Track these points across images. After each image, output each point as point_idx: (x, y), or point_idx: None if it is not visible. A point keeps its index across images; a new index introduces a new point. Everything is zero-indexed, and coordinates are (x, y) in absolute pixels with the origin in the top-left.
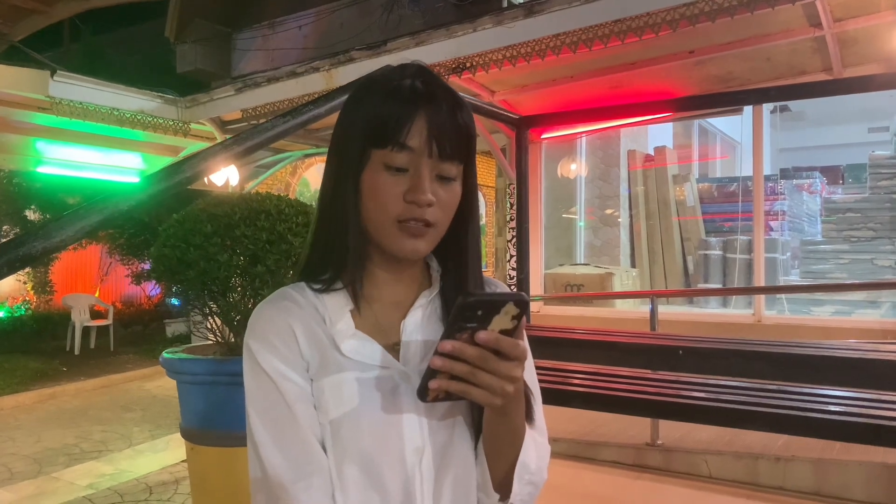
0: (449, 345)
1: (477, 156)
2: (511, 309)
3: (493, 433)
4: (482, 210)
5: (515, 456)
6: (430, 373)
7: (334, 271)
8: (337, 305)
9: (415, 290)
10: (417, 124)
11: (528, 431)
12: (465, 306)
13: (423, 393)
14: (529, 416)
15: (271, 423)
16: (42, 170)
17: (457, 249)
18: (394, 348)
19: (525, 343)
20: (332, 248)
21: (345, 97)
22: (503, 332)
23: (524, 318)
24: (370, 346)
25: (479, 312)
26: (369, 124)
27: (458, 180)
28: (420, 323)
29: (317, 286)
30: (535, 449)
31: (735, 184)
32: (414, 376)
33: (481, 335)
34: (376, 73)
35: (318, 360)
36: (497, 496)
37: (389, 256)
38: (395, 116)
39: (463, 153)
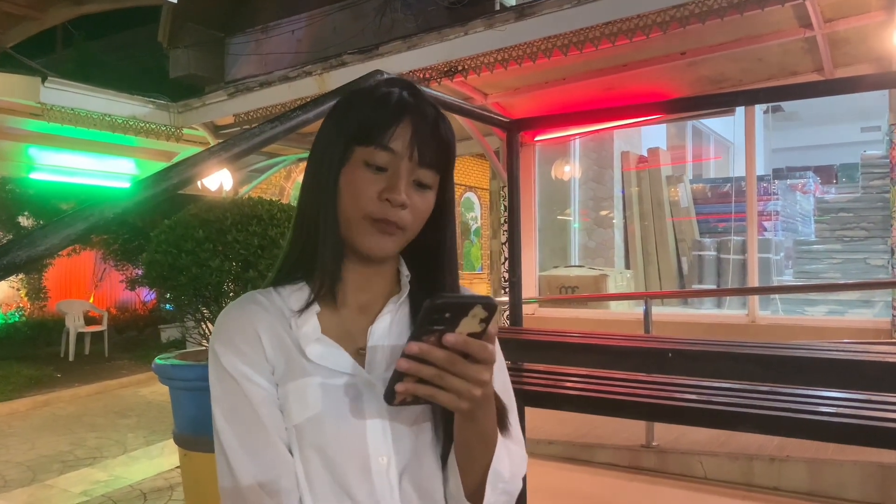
0: (416, 347)
1: (471, 158)
2: (479, 312)
3: (464, 439)
4: (477, 213)
5: (487, 463)
6: (397, 376)
7: (305, 274)
8: (306, 301)
9: (384, 296)
10: (402, 128)
11: (502, 440)
12: (433, 308)
13: (389, 396)
14: (502, 424)
15: (238, 425)
16: (35, 176)
17: (430, 259)
18: (359, 353)
19: (494, 347)
20: (307, 249)
21: (333, 102)
22: (471, 335)
23: (493, 322)
24: (335, 352)
25: (447, 315)
26: (355, 123)
27: (434, 190)
28: (387, 329)
29: (282, 287)
30: (508, 457)
31: (728, 184)
32: (378, 384)
33: (449, 337)
34: (366, 83)
35: (284, 365)
36: None
37: (359, 259)
38: (381, 118)
39: (441, 163)
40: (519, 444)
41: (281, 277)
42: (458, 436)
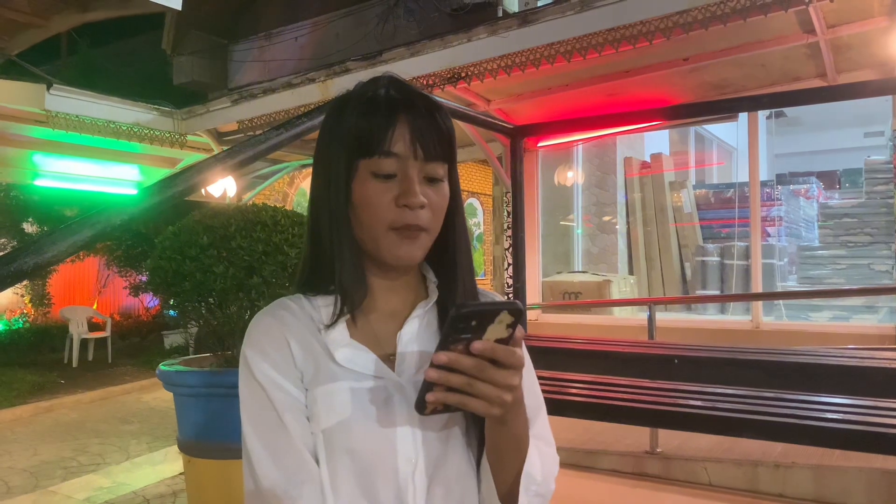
0: (444, 356)
1: (474, 164)
2: (505, 317)
3: (495, 444)
4: (479, 218)
5: (519, 466)
6: (427, 385)
7: (331, 282)
8: (333, 315)
9: (411, 301)
10: (399, 130)
11: (533, 442)
12: (459, 317)
13: (420, 406)
14: (533, 426)
15: (263, 431)
16: (39, 183)
17: (447, 250)
18: (389, 359)
19: (522, 351)
20: (327, 260)
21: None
22: (498, 340)
23: (519, 327)
24: (364, 356)
25: (474, 322)
26: (352, 136)
27: (445, 181)
28: (416, 333)
29: (314, 296)
30: (539, 459)
31: (732, 190)
32: (408, 387)
33: (476, 345)
34: (350, 89)
35: (313, 370)
36: None
37: (384, 266)
38: (376, 125)
39: (446, 153)
40: (550, 445)
41: (308, 287)
42: (490, 440)
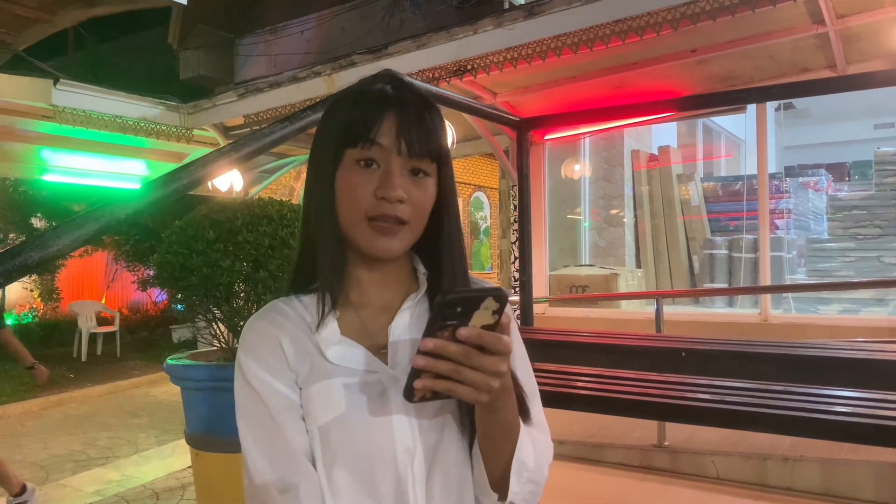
0: (431, 343)
1: (480, 157)
2: (491, 304)
3: (485, 431)
4: (486, 212)
5: (511, 453)
6: (415, 373)
7: (319, 277)
8: (319, 313)
9: (402, 294)
10: (386, 123)
11: (525, 429)
12: (445, 304)
13: (409, 393)
14: (524, 413)
15: (258, 434)
16: (47, 178)
17: (436, 247)
18: (381, 352)
19: (510, 338)
20: (315, 254)
21: None
22: (485, 327)
23: (506, 313)
24: (356, 351)
25: (459, 309)
26: (342, 126)
27: (433, 178)
28: (407, 325)
29: (303, 296)
30: (532, 446)
31: (740, 182)
32: (402, 379)
33: (462, 331)
34: (352, 84)
35: (307, 369)
36: (495, 496)
37: (369, 259)
38: (364, 116)
39: (434, 151)
40: (543, 432)
41: (299, 285)
42: (480, 427)
